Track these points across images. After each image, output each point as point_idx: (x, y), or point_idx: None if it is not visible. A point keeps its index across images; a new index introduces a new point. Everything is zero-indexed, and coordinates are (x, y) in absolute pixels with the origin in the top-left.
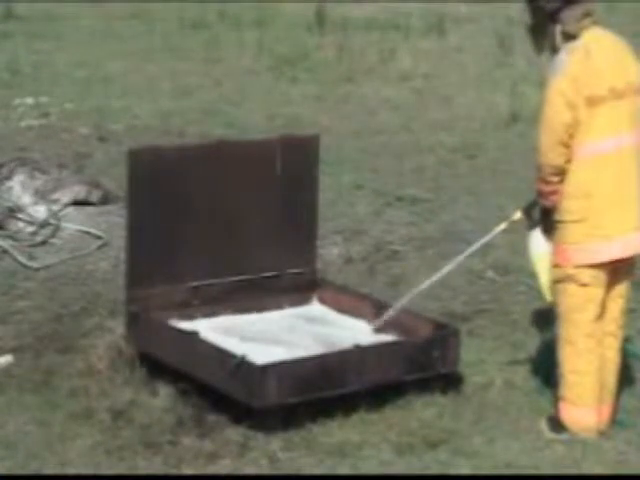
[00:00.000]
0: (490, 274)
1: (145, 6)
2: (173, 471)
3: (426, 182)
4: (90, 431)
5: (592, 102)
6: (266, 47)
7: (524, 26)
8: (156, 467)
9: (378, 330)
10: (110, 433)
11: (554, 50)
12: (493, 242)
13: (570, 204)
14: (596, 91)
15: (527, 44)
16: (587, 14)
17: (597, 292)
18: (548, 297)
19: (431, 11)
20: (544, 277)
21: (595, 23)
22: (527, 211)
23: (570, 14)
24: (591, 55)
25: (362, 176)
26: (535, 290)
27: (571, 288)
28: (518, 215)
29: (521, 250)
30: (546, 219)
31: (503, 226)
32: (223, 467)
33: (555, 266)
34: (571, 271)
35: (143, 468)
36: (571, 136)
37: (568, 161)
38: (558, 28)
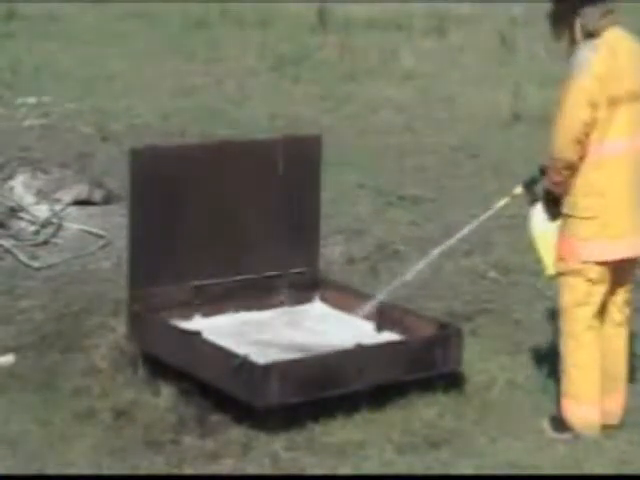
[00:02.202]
0: (492, 274)
1: (147, 6)
2: (175, 471)
3: (428, 182)
4: (92, 431)
5: (613, 102)
6: (268, 47)
7: (547, 10)
8: (158, 467)
9: (379, 329)
10: (112, 433)
11: (572, 42)
12: (495, 241)
13: (582, 201)
14: (617, 91)
15: (528, 44)
16: (608, 13)
17: (600, 288)
18: (549, 271)
19: (433, 11)
20: (544, 252)
21: (616, 23)
22: (528, 186)
23: (591, 11)
24: (617, 55)
25: (364, 175)
26: (537, 289)
27: (575, 282)
28: (519, 190)
29: (523, 250)
30: (548, 200)
31: (504, 202)
32: (225, 467)
33: (560, 259)
34: (578, 266)
35: (145, 468)
36: (587, 134)
37: (581, 157)
38: (578, 21)
